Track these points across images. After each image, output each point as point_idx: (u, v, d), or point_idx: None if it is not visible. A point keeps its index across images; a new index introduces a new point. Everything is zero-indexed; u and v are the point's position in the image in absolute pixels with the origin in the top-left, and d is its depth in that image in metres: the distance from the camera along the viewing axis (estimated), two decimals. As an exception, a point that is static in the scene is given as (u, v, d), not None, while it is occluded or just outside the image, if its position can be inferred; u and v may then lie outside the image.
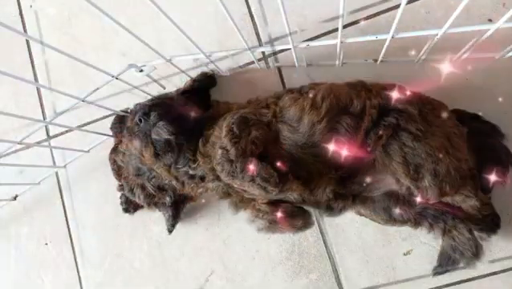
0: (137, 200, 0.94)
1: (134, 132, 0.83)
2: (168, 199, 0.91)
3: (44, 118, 1.09)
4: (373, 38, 0.71)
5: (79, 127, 1.02)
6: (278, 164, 0.73)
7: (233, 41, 0.97)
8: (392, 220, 0.81)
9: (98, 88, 0.77)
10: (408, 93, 0.80)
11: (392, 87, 0.82)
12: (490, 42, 0.76)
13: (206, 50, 0.82)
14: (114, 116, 0.97)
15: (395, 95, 0.77)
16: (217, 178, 0.79)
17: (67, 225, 1.06)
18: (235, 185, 0.78)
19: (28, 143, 0.92)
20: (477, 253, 0.76)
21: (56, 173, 1.08)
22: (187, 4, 0.98)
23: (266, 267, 0.95)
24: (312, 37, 0.96)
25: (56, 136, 1.10)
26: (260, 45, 0.98)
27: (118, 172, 0.95)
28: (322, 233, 0.93)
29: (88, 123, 1.07)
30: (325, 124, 0.75)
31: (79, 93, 0.82)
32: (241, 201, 0.85)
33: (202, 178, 0.83)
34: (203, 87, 0.98)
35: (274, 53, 0.98)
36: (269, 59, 0.93)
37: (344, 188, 0.80)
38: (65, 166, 1.07)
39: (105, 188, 1.03)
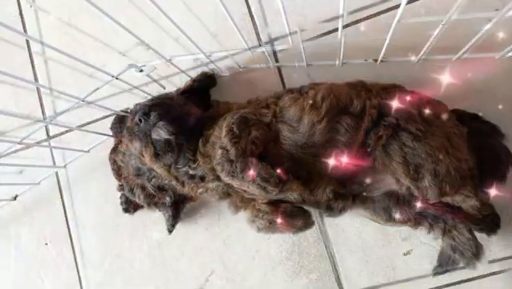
0: (137, 200, 0.94)
1: (134, 132, 0.83)
2: (168, 199, 0.91)
3: (44, 118, 1.09)
4: (379, 22, 0.70)
5: (79, 127, 1.02)
6: (278, 171, 0.73)
7: (233, 41, 0.97)
8: (392, 220, 0.81)
9: (98, 88, 0.77)
10: (408, 93, 0.80)
11: (392, 87, 0.82)
12: (490, 42, 0.77)
13: (206, 50, 0.82)
14: (114, 116, 0.97)
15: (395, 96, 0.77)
16: (217, 178, 0.79)
17: (67, 225, 1.06)
18: (235, 185, 0.78)
19: (28, 143, 0.92)
20: (477, 253, 0.76)
21: (56, 173, 1.08)
22: (187, 4, 0.98)
23: (266, 267, 0.95)
24: (312, 37, 0.96)
25: (56, 136, 1.10)
26: (260, 45, 0.98)
27: (118, 172, 0.95)
28: (322, 233, 0.93)
29: (88, 123, 1.07)
30: (325, 124, 0.75)
31: (79, 93, 0.82)
32: (241, 201, 0.85)
33: (202, 178, 0.83)
34: (203, 87, 0.98)
35: (274, 53, 0.98)
36: (269, 59, 0.93)
37: (344, 188, 0.80)
38: (65, 166, 1.07)
39: (105, 188, 1.03)
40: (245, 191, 0.79)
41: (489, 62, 0.86)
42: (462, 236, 0.77)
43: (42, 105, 1.11)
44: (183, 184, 0.86)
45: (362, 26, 0.92)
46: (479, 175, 0.78)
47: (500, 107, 0.85)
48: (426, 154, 0.72)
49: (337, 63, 0.92)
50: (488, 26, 0.69)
